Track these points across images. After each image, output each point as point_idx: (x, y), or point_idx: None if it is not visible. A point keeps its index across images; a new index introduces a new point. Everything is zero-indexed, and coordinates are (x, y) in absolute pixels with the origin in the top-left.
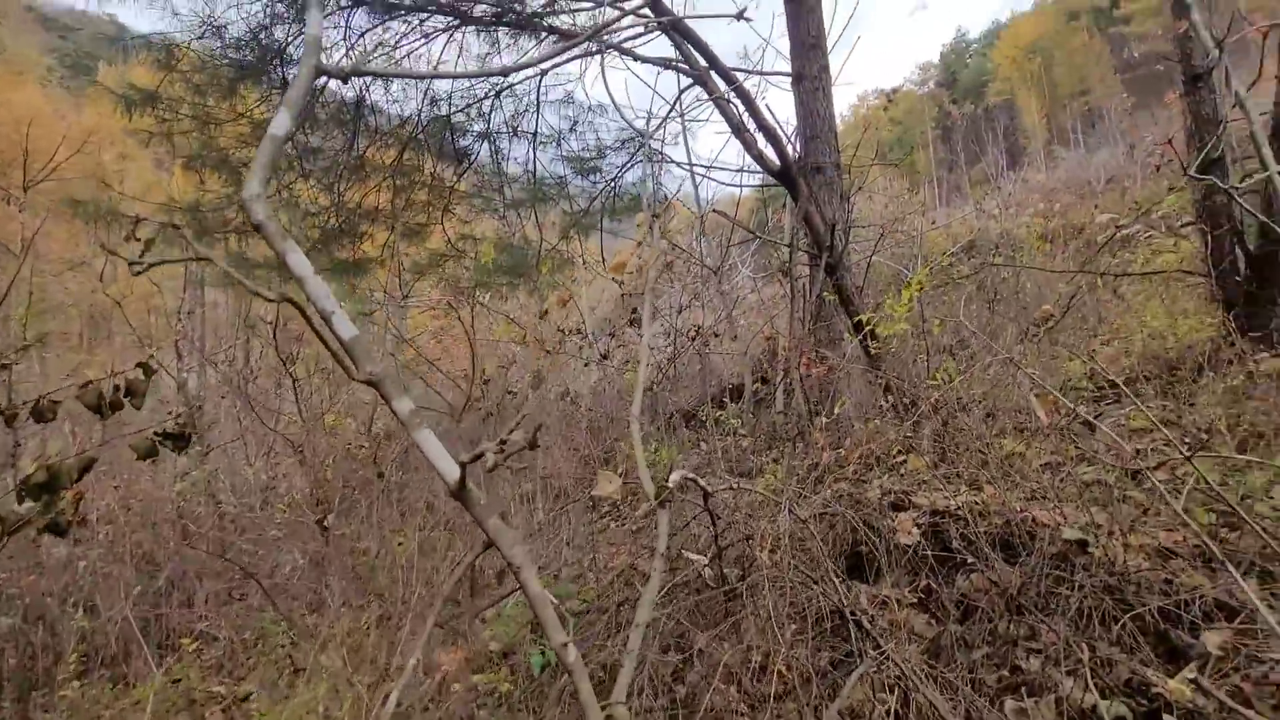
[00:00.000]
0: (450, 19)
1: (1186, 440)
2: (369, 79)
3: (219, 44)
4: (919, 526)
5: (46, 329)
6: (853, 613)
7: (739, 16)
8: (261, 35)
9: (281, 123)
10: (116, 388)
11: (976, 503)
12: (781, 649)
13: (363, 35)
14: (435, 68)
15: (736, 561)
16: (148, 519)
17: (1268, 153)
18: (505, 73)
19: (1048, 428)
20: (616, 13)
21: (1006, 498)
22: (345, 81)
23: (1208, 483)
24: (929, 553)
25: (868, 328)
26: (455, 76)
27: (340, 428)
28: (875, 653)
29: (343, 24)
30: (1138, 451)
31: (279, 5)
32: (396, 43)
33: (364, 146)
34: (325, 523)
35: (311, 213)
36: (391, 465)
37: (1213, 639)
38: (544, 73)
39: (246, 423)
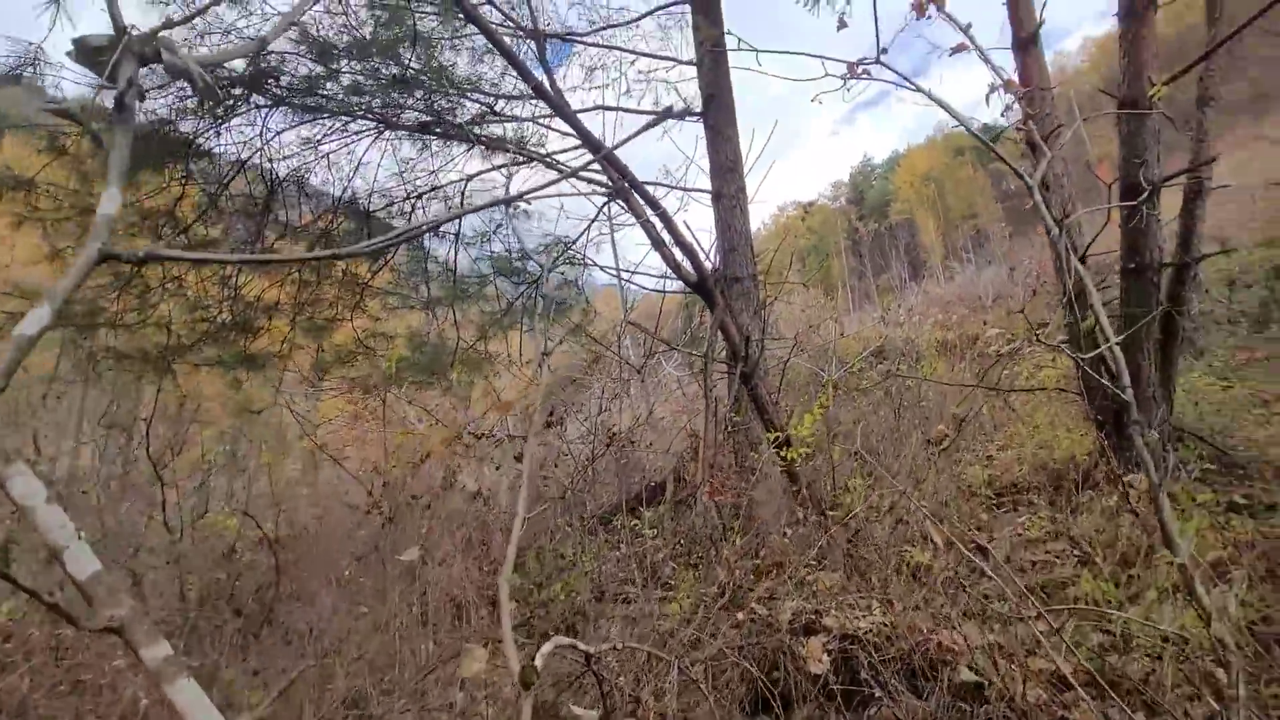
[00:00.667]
0: (376, 124)
1: (1075, 553)
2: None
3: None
4: (829, 653)
5: None
6: None
7: (663, 115)
8: (165, 129)
9: (36, 319)
10: None
11: (885, 625)
12: None
13: (278, 135)
14: (357, 168)
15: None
16: None
17: (1105, 322)
18: (346, 256)
19: (945, 550)
20: (543, 130)
21: (913, 619)
22: (139, 267)
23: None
24: (836, 687)
25: (781, 438)
26: (282, 261)
27: (225, 528)
28: None
29: (259, 122)
30: (1033, 564)
31: (188, 100)
32: (319, 140)
33: (272, 240)
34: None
35: (202, 305)
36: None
37: None
38: (469, 179)
39: (114, 524)
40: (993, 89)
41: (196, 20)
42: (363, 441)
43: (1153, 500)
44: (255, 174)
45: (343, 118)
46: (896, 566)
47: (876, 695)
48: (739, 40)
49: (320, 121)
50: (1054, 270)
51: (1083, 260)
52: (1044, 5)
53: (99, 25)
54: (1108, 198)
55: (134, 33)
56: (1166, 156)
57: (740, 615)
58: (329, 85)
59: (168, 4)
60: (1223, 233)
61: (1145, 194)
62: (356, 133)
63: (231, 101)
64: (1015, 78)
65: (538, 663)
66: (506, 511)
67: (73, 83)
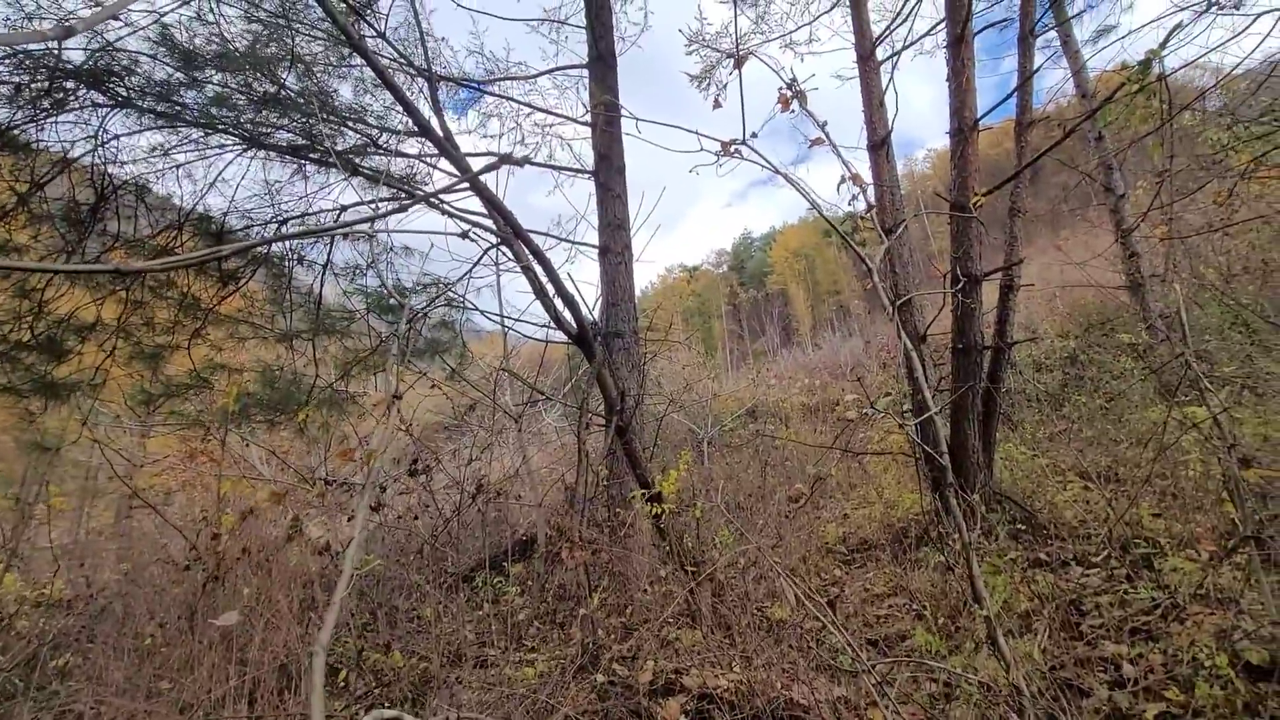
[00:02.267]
0: (241, 141)
1: (912, 607)
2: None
3: None
4: (686, 714)
5: None
6: None
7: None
8: None
9: None
10: None
11: (743, 682)
12: None
13: (116, 139)
14: (211, 183)
15: None
16: None
17: (927, 394)
18: (172, 265)
19: (797, 608)
20: (429, 168)
21: (769, 675)
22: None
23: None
24: None
25: (652, 493)
26: (80, 270)
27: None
28: None
29: (95, 123)
30: (879, 618)
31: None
32: (170, 149)
33: (98, 254)
34: None
35: None
36: (22, 668)
37: None
38: (344, 209)
39: None
40: (843, 180)
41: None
42: (194, 486)
43: (964, 557)
44: (83, 177)
45: (202, 129)
46: (757, 622)
47: None
48: (627, 111)
49: (175, 130)
50: (898, 353)
51: (923, 338)
52: (894, 116)
53: None
54: (944, 286)
55: None
56: (989, 255)
57: (600, 677)
58: (188, 93)
59: None
60: (1031, 323)
61: (967, 284)
62: (218, 146)
63: (61, 95)
64: (868, 174)
65: None
66: (357, 569)
67: None
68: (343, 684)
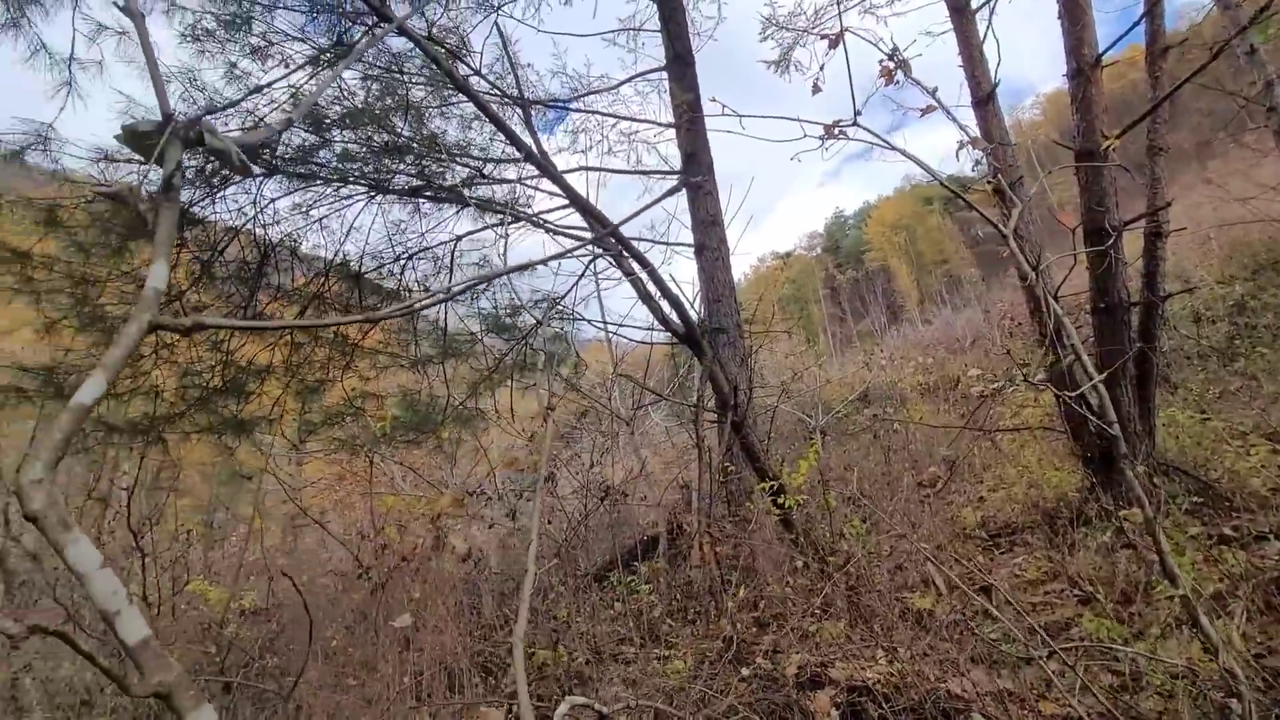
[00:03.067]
0: (368, 189)
1: (1074, 593)
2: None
3: (111, 207)
4: (837, 707)
5: None
6: None
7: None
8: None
9: (91, 389)
10: None
11: (893, 674)
12: None
13: (272, 202)
14: (349, 228)
15: None
16: None
17: (1086, 360)
18: (375, 319)
19: (948, 594)
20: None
21: (920, 667)
22: (186, 335)
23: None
24: None
25: (775, 486)
26: (313, 325)
27: (206, 597)
28: None
29: (253, 190)
30: (1035, 606)
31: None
32: (311, 206)
33: (264, 303)
34: None
35: (193, 371)
36: (244, 669)
37: None
38: (459, 239)
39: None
40: (961, 145)
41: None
42: (344, 505)
43: (1150, 534)
44: (249, 239)
45: (335, 183)
46: (900, 613)
47: None
48: (722, 106)
49: (313, 188)
50: (1029, 312)
51: (1055, 300)
52: (998, 66)
53: (107, 103)
54: (1073, 242)
55: (179, 118)
56: (1125, 202)
57: (745, 671)
58: (322, 153)
59: (202, 89)
60: (1183, 272)
61: (1110, 238)
62: (347, 197)
63: (225, 172)
64: (977, 134)
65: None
66: (496, 572)
67: (74, 158)
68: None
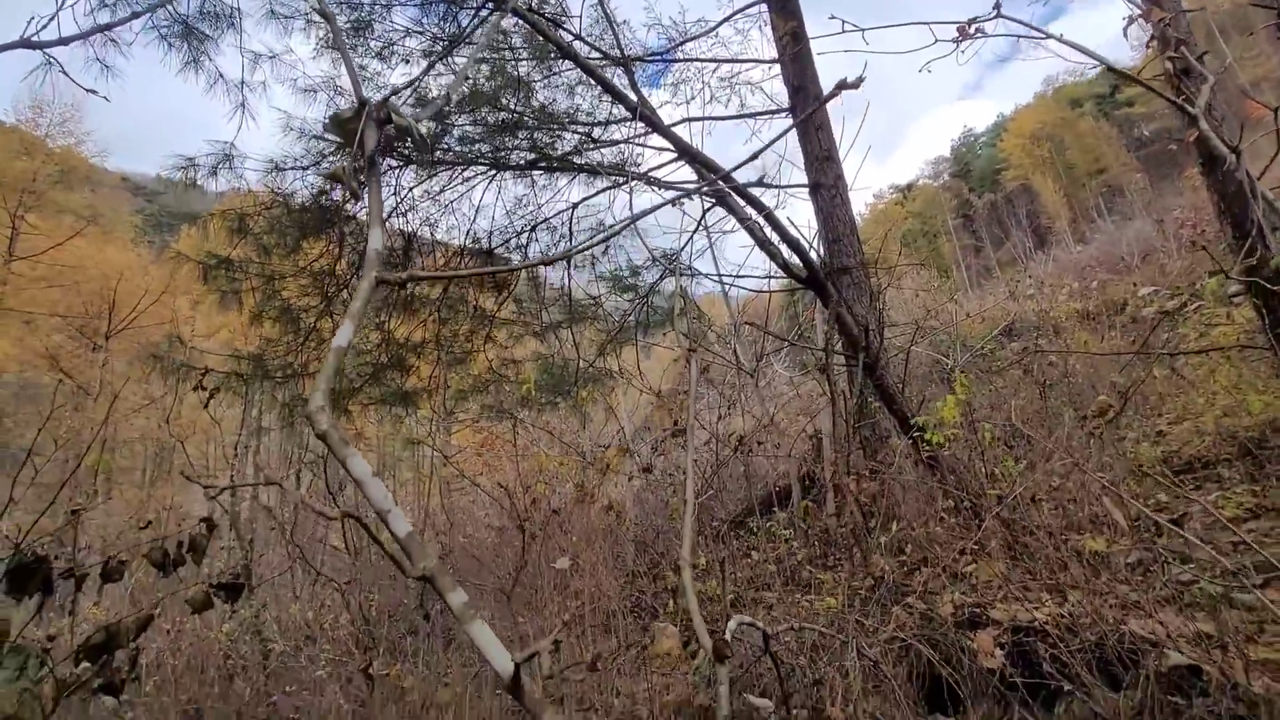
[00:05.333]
0: (488, 169)
1: None
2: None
3: (284, 210)
4: (1001, 646)
5: (115, 464)
6: None
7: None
8: (321, 198)
9: (345, 334)
10: (180, 544)
11: (1064, 615)
12: None
13: (410, 190)
14: (478, 209)
15: (805, 707)
16: (195, 663)
17: None
18: (542, 264)
19: (1129, 530)
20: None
21: (1096, 607)
22: (402, 287)
23: None
24: (1017, 679)
25: (916, 430)
26: (494, 272)
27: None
28: None
29: (392, 183)
30: (1235, 546)
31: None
32: (439, 192)
33: (413, 285)
34: (370, 670)
35: (363, 350)
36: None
37: None
38: (574, 206)
39: (294, 554)
40: (1130, 20)
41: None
42: (490, 469)
43: None
44: (394, 229)
45: (458, 166)
46: (1065, 556)
47: (1065, 689)
48: (842, 22)
49: (439, 173)
50: (1216, 213)
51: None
52: None
53: (273, 120)
54: (1277, 123)
55: (372, 103)
56: None
57: (896, 610)
58: (445, 140)
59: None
60: None
61: None
62: (470, 178)
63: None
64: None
65: (728, 634)
66: (636, 523)
67: (253, 171)
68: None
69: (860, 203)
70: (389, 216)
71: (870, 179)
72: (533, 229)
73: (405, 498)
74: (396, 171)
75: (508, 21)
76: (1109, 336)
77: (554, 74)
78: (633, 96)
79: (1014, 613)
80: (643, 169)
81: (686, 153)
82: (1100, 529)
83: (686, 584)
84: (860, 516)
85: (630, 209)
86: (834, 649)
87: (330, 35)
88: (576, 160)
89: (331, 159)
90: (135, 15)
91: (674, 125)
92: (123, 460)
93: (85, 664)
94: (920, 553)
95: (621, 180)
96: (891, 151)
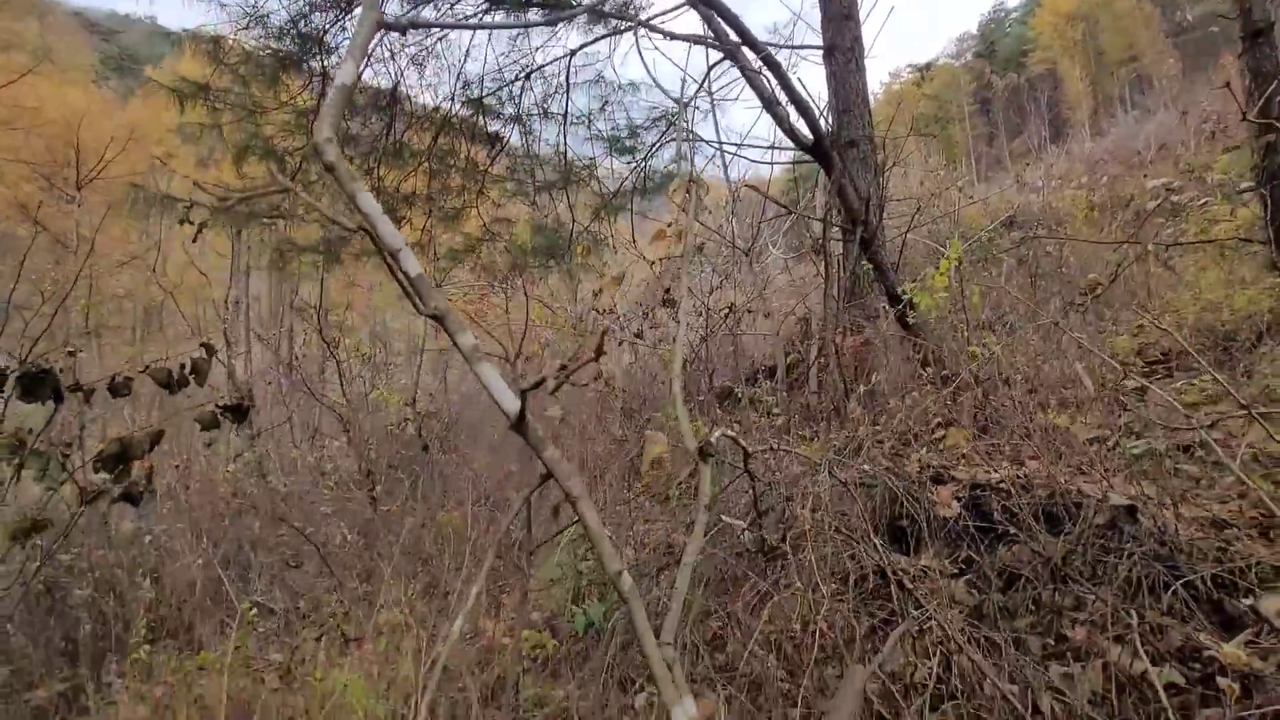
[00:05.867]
0: (482, 2)
1: (1241, 414)
2: (421, 31)
3: (262, 34)
4: (959, 499)
5: (103, 317)
6: (894, 573)
7: None
8: (301, 23)
9: (347, 72)
10: (183, 366)
11: (1020, 476)
12: (824, 603)
13: (406, 18)
14: (467, 52)
15: (776, 526)
16: (205, 497)
17: None
18: (555, 21)
19: (1096, 396)
20: None
21: (1051, 471)
22: (403, 33)
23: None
24: (970, 523)
25: (906, 299)
26: (508, 27)
27: (387, 402)
28: (917, 613)
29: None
30: (1188, 418)
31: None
32: (426, 34)
33: (401, 130)
34: (374, 494)
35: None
36: (435, 440)
37: (1273, 604)
38: (573, 53)
39: (293, 405)
40: None
41: None
42: (482, 334)
43: None
44: (381, 70)
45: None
46: (1028, 432)
47: (1011, 533)
48: None
49: (431, 6)
50: (1245, 97)
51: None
52: None
53: None
54: None
55: None
56: None
57: (867, 466)
58: None
59: None
60: None
61: None
62: (465, 17)
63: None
64: None
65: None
66: (625, 393)
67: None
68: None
69: (874, 78)
70: (370, 56)
71: (884, 49)
72: (527, 76)
73: (399, 371)
74: (381, 1)
75: None
76: (1109, 231)
77: None
78: None
79: (974, 474)
80: (648, 16)
81: None
82: (1065, 408)
83: (676, 394)
84: (842, 383)
85: (637, 55)
86: (807, 474)
87: None
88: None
89: None
90: None
91: None
92: (111, 319)
93: (103, 475)
94: (897, 427)
95: (624, 25)
96: (908, 20)
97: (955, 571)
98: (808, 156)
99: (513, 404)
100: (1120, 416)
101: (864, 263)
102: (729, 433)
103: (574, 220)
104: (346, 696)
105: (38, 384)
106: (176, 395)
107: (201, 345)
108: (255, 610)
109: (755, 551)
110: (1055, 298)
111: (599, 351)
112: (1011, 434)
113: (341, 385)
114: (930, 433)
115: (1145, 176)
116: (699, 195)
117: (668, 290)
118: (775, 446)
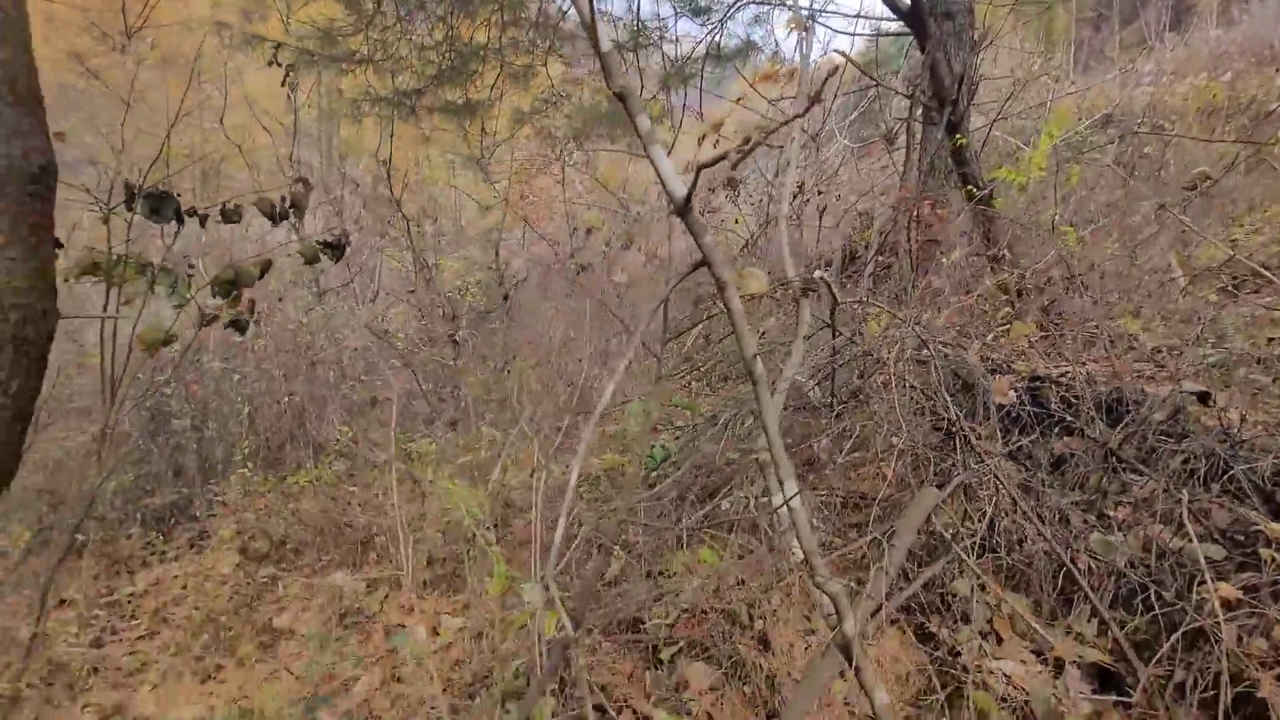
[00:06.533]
0: None
1: None
2: None
3: None
4: (1016, 390)
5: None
6: (961, 428)
7: None
8: None
9: None
10: (283, 199)
11: (1083, 373)
12: (902, 436)
13: None
14: None
15: (847, 384)
16: (281, 343)
17: None
18: None
19: (1185, 288)
20: None
21: (1117, 366)
22: None
23: None
24: (1027, 409)
25: (988, 189)
26: None
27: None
28: (978, 466)
29: None
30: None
31: None
32: None
33: None
34: (456, 337)
35: (427, 46)
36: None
37: None
38: None
39: (354, 269)
40: None
41: None
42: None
43: None
44: None
45: None
46: (1093, 338)
47: (1068, 421)
48: None
49: None
50: None
51: None
52: None
53: None
54: None
55: None
56: None
57: (927, 351)
58: None
59: None
60: None
61: None
62: None
63: None
64: None
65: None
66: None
67: None
68: None
69: None
70: None
71: None
72: None
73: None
74: None
75: None
76: (1221, 133)
77: None
78: None
79: (1034, 368)
80: None
81: None
82: (1137, 317)
83: (784, 237)
84: (909, 267)
85: None
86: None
87: None
88: None
89: None
90: None
91: None
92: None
93: (218, 299)
94: (954, 321)
95: None
96: None
97: (1006, 453)
98: (892, 30)
99: (680, 189)
100: (1199, 326)
101: (945, 149)
102: (825, 276)
103: (643, 85)
104: (450, 499)
105: (163, 203)
106: (278, 226)
107: (298, 180)
108: (339, 443)
109: (822, 406)
110: (1149, 200)
111: (745, 153)
112: (1076, 337)
113: (411, 242)
114: (991, 327)
115: (1277, 72)
116: (808, 36)
117: (734, 167)
118: (865, 299)
